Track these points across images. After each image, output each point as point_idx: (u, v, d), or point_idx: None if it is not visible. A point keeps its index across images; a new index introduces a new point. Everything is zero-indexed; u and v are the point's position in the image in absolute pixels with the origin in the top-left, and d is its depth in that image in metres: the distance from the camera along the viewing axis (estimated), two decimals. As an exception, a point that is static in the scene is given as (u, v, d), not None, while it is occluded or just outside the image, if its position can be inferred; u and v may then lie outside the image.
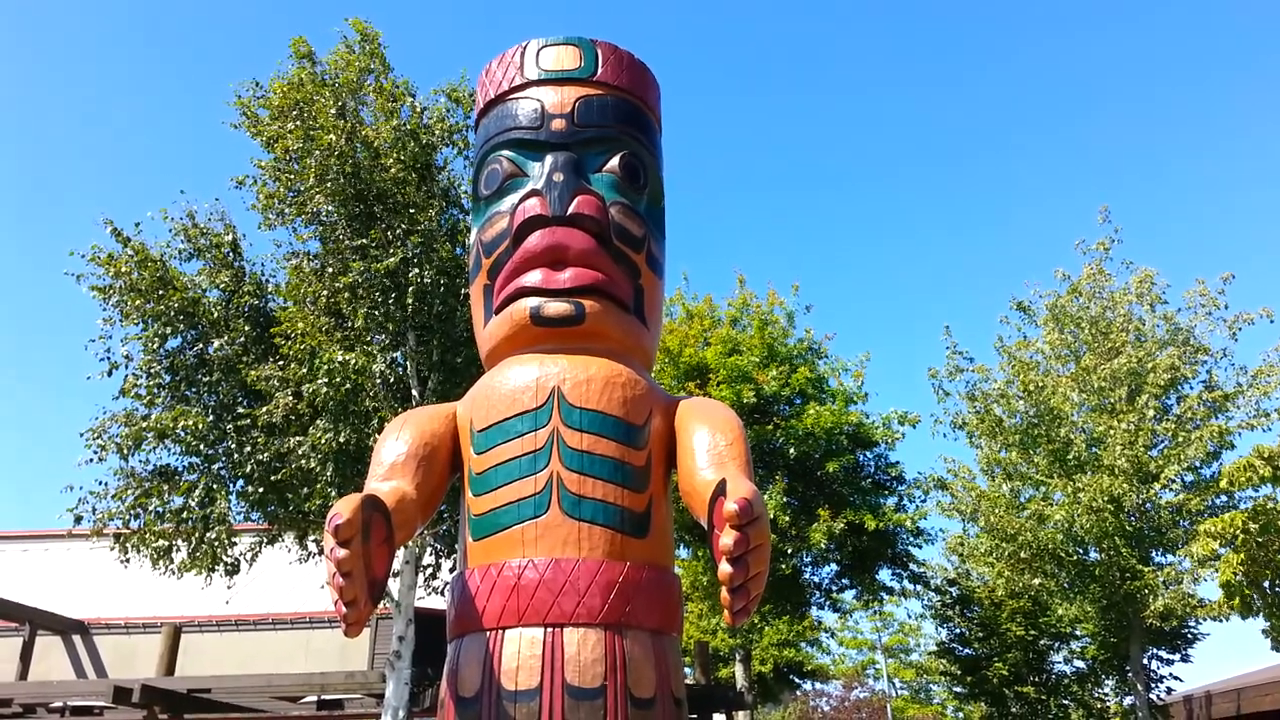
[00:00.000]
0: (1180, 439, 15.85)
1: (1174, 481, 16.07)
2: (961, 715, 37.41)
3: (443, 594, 14.19)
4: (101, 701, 13.88)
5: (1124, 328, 16.88)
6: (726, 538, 2.52)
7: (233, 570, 12.13)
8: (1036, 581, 17.06)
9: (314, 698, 14.76)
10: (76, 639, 18.88)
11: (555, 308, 3.65)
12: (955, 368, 18.48)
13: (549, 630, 3.22)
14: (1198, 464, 16.26)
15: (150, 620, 19.00)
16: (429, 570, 13.88)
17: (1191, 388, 16.95)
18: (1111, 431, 15.84)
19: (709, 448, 3.44)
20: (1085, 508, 15.42)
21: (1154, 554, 16.92)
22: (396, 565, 12.18)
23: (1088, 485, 15.60)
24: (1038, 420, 17.16)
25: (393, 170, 11.33)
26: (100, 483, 11.46)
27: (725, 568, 2.57)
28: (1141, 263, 18.04)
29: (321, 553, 12.92)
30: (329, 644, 18.26)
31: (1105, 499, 15.48)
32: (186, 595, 19.94)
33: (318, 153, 11.14)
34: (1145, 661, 17.49)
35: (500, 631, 3.26)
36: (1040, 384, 16.93)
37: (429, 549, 13.20)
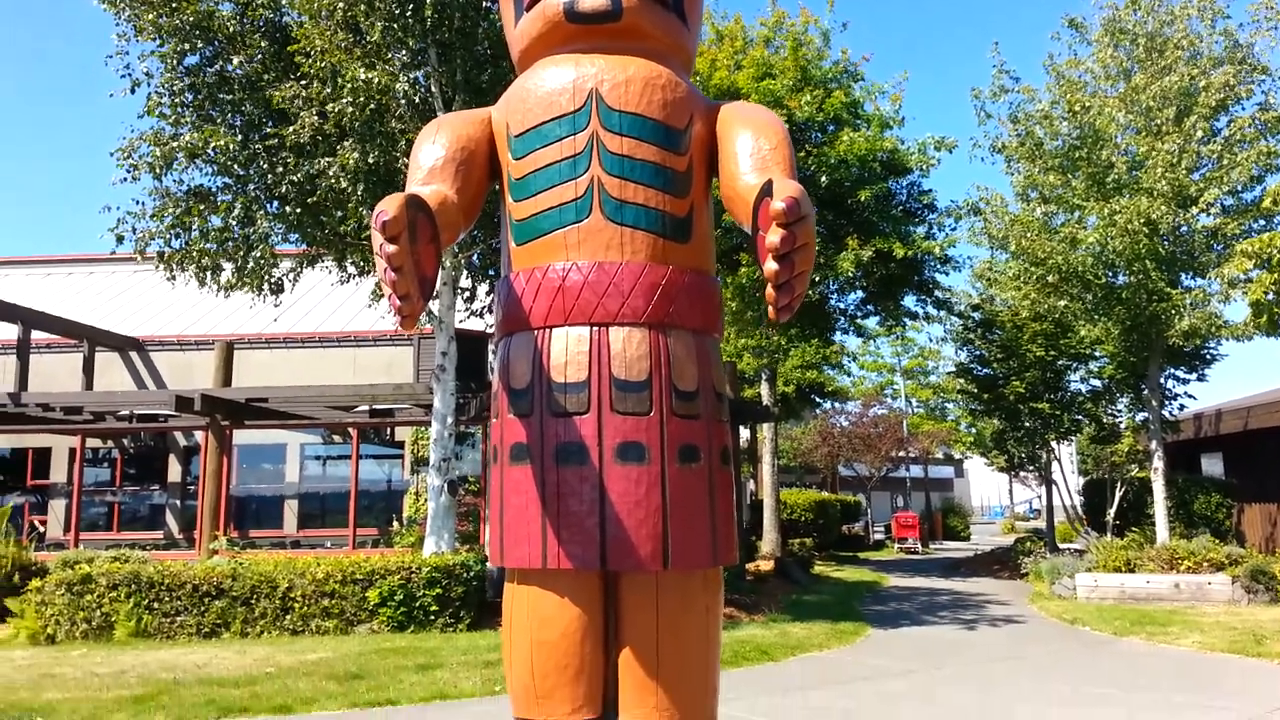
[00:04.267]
0: (1225, 161, 15.44)
1: (1213, 206, 15.85)
2: (975, 430, 39.49)
3: (481, 316, 14.65)
4: (165, 410, 14.86)
5: (1180, 44, 15.94)
6: (773, 235, 2.53)
7: (277, 289, 12.51)
8: (1062, 304, 17.28)
9: (365, 408, 15.70)
10: (133, 355, 19.87)
11: (590, 2, 3.48)
12: (1000, 88, 17.73)
13: (594, 329, 3.34)
14: (1240, 188, 15.95)
15: (202, 338, 19.92)
16: (466, 294, 14.25)
17: (1244, 109, 16.28)
18: (1154, 153, 15.45)
19: (752, 152, 3.38)
20: (1120, 230, 15.32)
21: (1183, 277, 17.01)
22: (435, 286, 12.48)
23: (1125, 208, 15.41)
24: (1080, 143, 16.71)
25: None
26: (138, 202, 11.62)
27: (771, 265, 2.59)
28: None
29: (361, 273, 13.22)
30: (375, 360, 19.16)
31: (1141, 222, 15.33)
32: (235, 315, 20.80)
33: None
34: (1162, 380, 18.03)
35: (547, 330, 3.38)
36: (1086, 104, 16.31)
37: (464, 273, 13.46)
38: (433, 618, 10.96)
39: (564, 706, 3.35)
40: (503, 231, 3.66)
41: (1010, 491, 69.38)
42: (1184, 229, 16.37)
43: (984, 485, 75.52)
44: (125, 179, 11.28)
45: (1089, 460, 22.86)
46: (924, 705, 6.92)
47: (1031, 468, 48.28)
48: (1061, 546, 21.46)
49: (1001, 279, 18.88)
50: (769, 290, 2.68)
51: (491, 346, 14.94)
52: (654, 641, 3.35)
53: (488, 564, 12.19)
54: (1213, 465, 23.74)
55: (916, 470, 43.05)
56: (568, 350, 3.36)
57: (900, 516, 32.65)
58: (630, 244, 3.38)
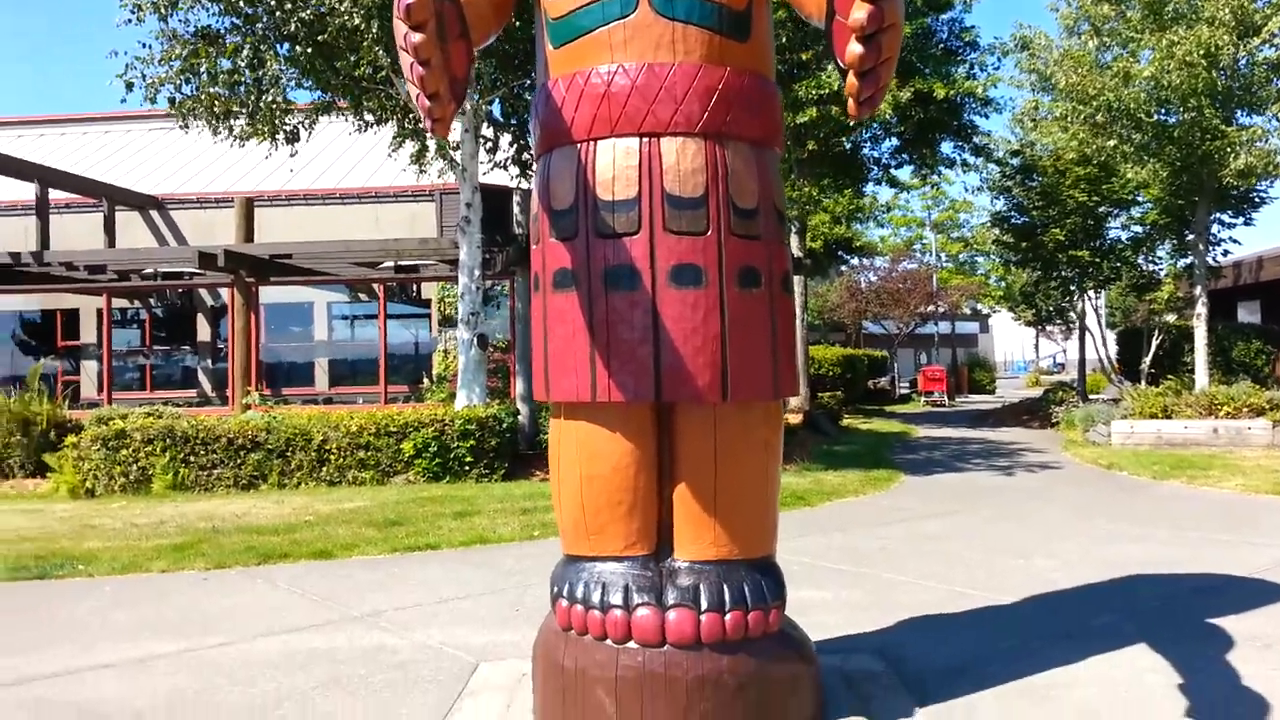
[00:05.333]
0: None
1: (1278, 35, 14.89)
2: (1005, 283, 38.89)
3: (504, 168, 14.18)
4: (188, 267, 14.70)
5: None
6: (859, 12, 2.17)
7: (293, 138, 12.08)
8: (1110, 144, 16.52)
9: (390, 264, 15.47)
10: (154, 214, 19.61)
11: None
12: (1052, -93, 16.49)
13: (645, 140, 3.02)
14: (1308, 15, 14.93)
15: (223, 196, 19.57)
16: (488, 143, 13.75)
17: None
18: (1219, -22, 14.42)
19: (820, -69, 2.96)
20: (1178, 63, 14.43)
21: (1239, 115, 16.19)
22: (456, 134, 12.02)
23: (1183, 39, 14.50)
24: (1137, -32, 15.61)
25: None
26: (145, 45, 11.10)
27: (855, 49, 2.24)
28: None
29: (379, 121, 12.73)
30: (398, 216, 18.79)
31: (1200, 53, 14.43)
32: (255, 172, 20.39)
33: None
34: (1209, 225, 17.40)
35: (592, 143, 3.06)
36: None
37: (485, 122, 12.95)
38: (467, 468, 11.03)
39: (616, 542, 3.22)
40: (538, 35, 3.29)
41: (1036, 346, 69.18)
42: (1244, 62, 15.44)
43: (1008, 341, 75.36)
44: (130, 20, 10.74)
45: (1117, 313, 22.44)
46: (963, 542, 6.86)
47: (1059, 321, 47.90)
48: (1092, 397, 21.32)
49: (1046, 121, 18.03)
50: (850, 80, 2.34)
51: (518, 194, 14.59)
52: (711, 476, 3.17)
53: (519, 417, 12.18)
54: (1250, 313, 23.26)
55: (943, 326, 42.73)
56: (615, 164, 3.05)
57: (927, 370, 32.56)
58: (683, 42, 3.01)
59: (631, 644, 3.07)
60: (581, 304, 3.07)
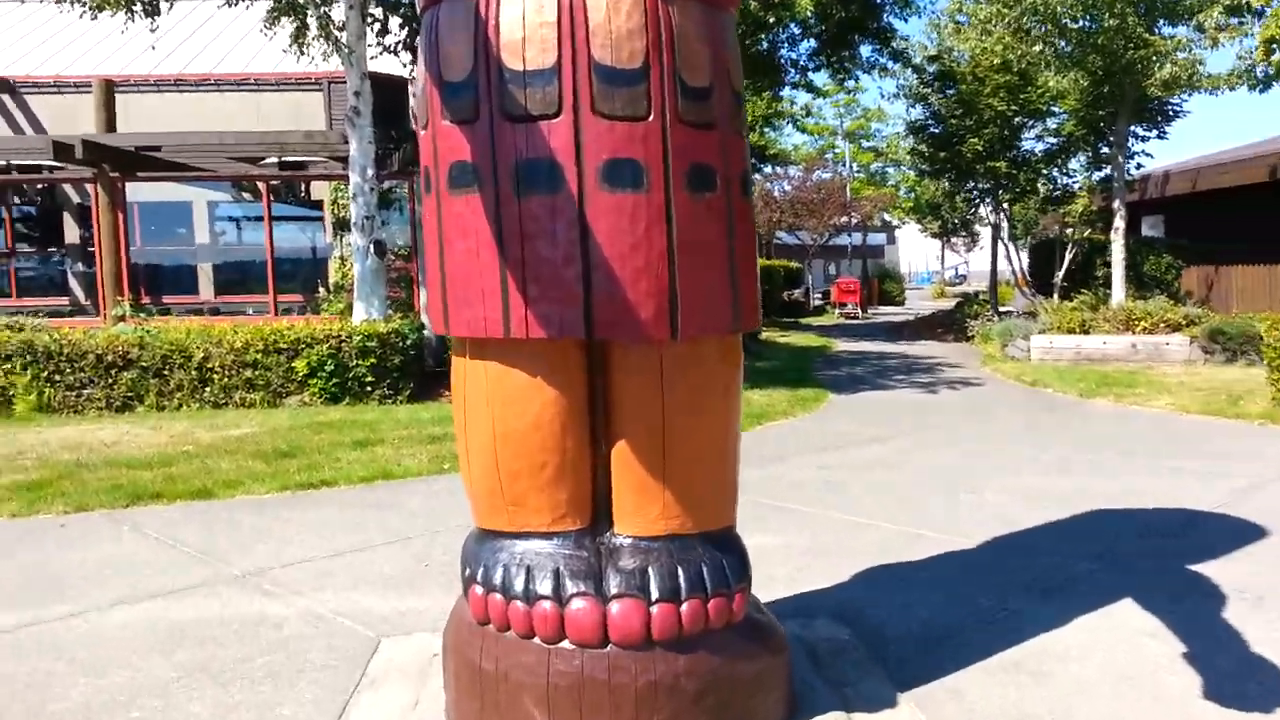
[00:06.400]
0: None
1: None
2: (915, 193, 38.89)
3: (395, 53, 12.93)
4: (42, 159, 13.10)
5: None
6: None
7: (152, 9, 10.57)
8: (1036, 49, 16.06)
9: (274, 159, 14.09)
10: (5, 99, 17.52)
11: None
12: None
13: (567, -12, 2.23)
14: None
15: (84, 79, 17.54)
16: (376, 24, 12.44)
17: None
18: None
19: None
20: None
21: (1160, 25, 15.89)
22: (339, 11, 10.76)
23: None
24: None
25: None
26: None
27: None
28: None
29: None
30: (281, 106, 17.14)
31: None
32: (120, 54, 18.34)
33: None
34: (1127, 136, 17.25)
35: (498, -10, 2.26)
36: None
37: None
38: (369, 389, 10.16)
39: (540, 516, 2.52)
40: None
41: (941, 257, 70.42)
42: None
43: (913, 252, 76.57)
44: None
45: (1019, 226, 22.38)
46: (907, 472, 6.44)
47: (964, 234, 48.45)
48: (1001, 310, 21.39)
49: (972, 21, 17.44)
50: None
51: (413, 85, 13.26)
52: (659, 431, 2.48)
53: (425, 331, 11.29)
54: (1152, 228, 23.55)
55: (854, 238, 42.75)
56: (525, 20, 2.25)
57: (841, 282, 32.45)
58: None
59: (565, 644, 2.42)
60: (487, 210, 2.31)
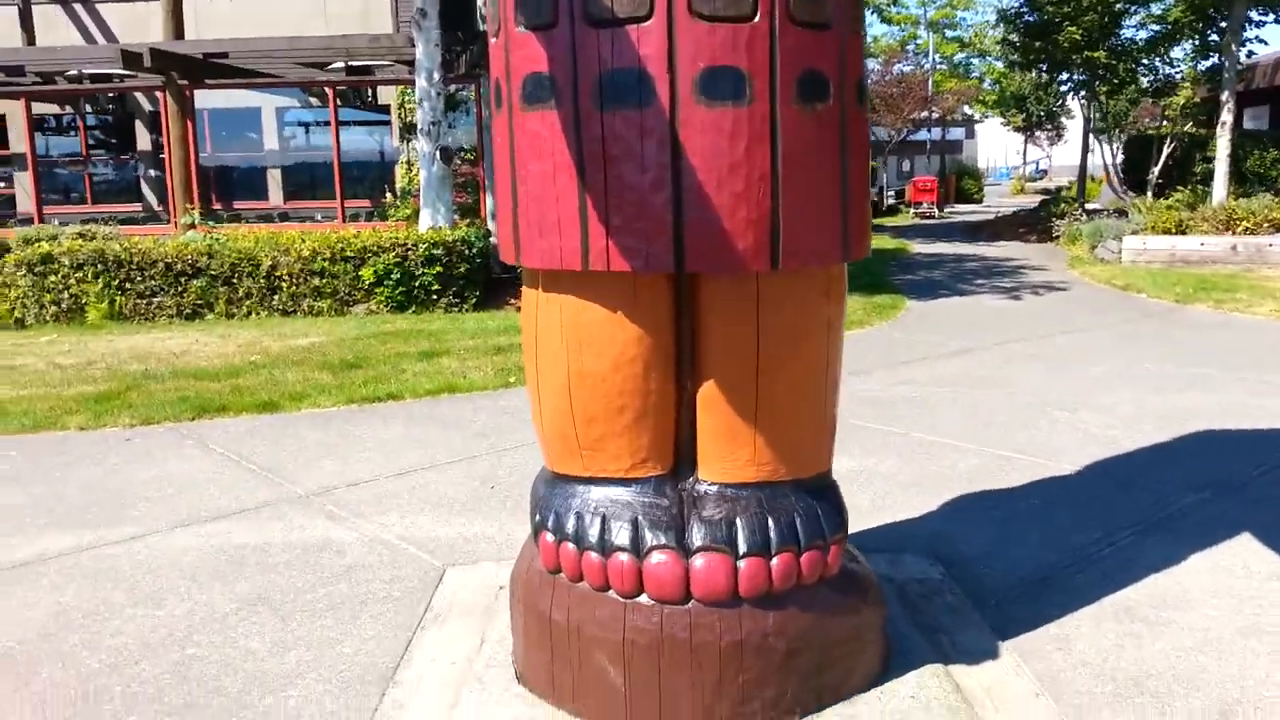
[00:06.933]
0: None
1: None
2: (1000, 86, 36.97)
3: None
4: (112, 68, 13.06)
5: None
6: None
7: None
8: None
9: (341, 64, 13.83)
10: (77, 8, 17.48)
11: None
12: None
13: None
14: None
15: (151, -15, 17.37)
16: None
17: None
18: None
19: None
20: None
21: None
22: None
23: None
24: None
25: None
26: None
27: None
28: None
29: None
30: (348, 8, 16.81)
31: None
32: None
33: None
34: (1244, 20, 15.92)
35: None
36: None
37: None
38: (435, 297, 10.08)
39: (619, 461, 2.33)
40: None
41: (1024, 152, 67.52)
42: None
43: (991, 147, 73.68)
44: None
45: (1110, 118, 21.06)
46: (994, 389, 6.11)
47: (1049, 126, 45.97)
48: (1089, 208, 20.36)
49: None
50: None
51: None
52: (752, 372, 2.25)
53: (492, 238, 11.12)
54: (1255, 120, 22.02)
55: (933, 133, 41.03)
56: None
57: (918, 181, 31.25)
58: None
59: (644, 598, 2.25)
60: (565, 128, 2.04)
